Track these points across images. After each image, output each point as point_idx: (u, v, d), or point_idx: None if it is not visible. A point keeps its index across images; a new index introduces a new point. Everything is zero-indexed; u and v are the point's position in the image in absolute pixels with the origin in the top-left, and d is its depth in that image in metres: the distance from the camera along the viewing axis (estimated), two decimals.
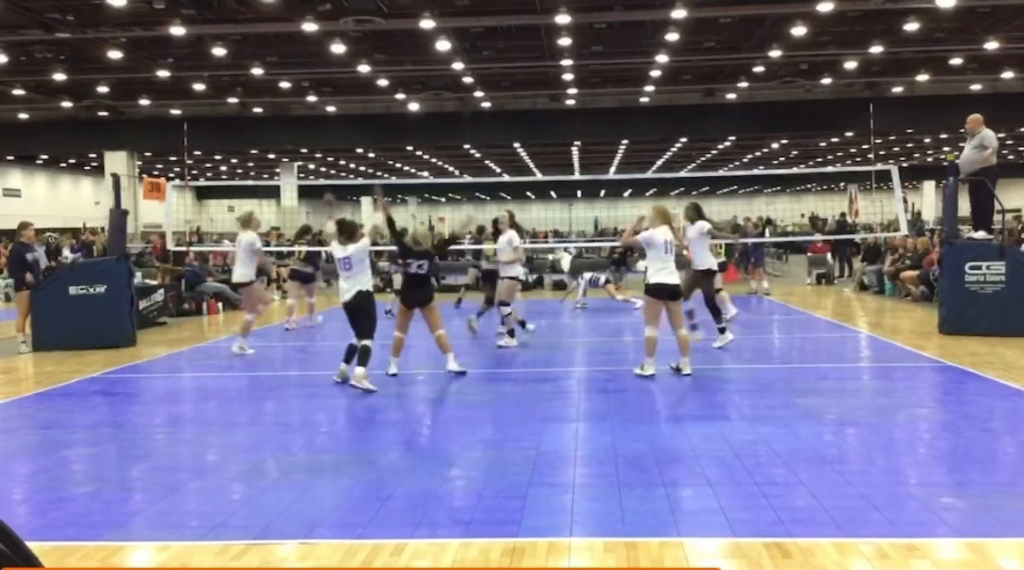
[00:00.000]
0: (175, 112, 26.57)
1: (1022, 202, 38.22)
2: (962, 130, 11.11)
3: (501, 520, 4.10)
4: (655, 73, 22.67)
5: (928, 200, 45.59)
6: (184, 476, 5.03)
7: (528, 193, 65.18)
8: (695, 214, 9.71)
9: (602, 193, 63.31)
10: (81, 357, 10.01)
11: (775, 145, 39.98)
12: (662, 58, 20.54)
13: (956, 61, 22.00)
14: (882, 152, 40.86)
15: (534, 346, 10.52)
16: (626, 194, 62.05)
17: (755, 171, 47.33)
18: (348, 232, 7.84)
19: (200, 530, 4.08)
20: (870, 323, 12.25)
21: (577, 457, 5.22)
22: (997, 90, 24.45)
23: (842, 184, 56.59)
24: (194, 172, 42.56)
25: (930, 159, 45.85)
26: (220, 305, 15.54)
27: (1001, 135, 13.10)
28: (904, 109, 25.92)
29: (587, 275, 15.83)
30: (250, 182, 50.04)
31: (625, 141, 35.44)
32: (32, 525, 4.25)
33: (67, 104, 25.10)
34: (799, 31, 17.97)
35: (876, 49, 19.81)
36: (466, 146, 35.90)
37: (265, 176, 48.05)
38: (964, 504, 4.22)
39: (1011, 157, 42.40)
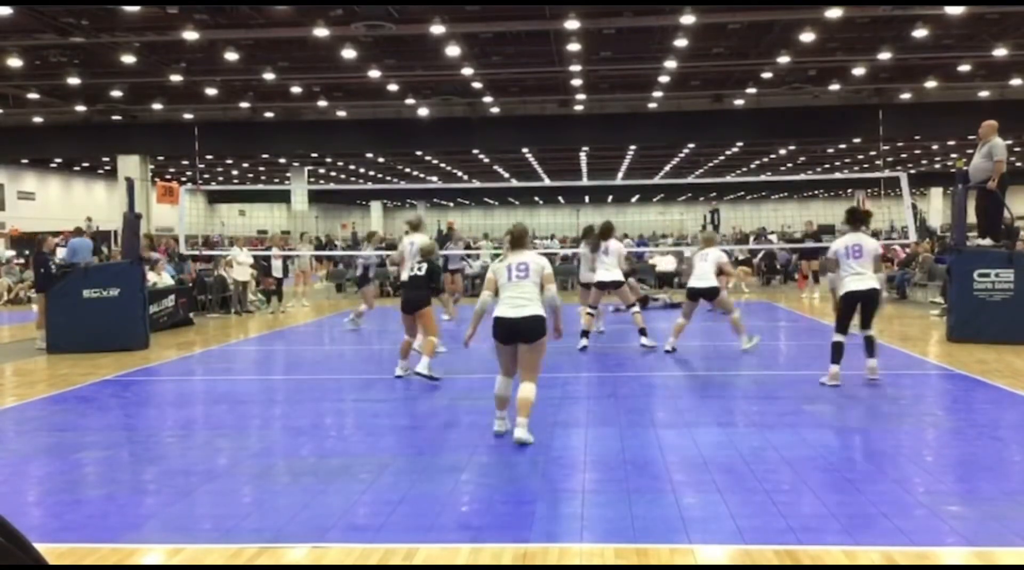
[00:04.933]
0: (187, 116, 26.75)
1: None
2: (971, 137, 11.11)
3: (511, 525, 4.14)
4: (664, 79, 22.71)
5: (935, 207, 45.47)
6: (196, 479, 5.08)
7: (536, 198, 65.29)
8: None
9: (610, 198, 63.37)
10: (94, 360, 10.10)
11: (783, 151, 39.96)
12: (671, 64, 20.58)
13: (964, 68, 21.96)
14: (890, 158, 40.77)
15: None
16: (633, 200, 62.10)
17: (763, 177, 47.31)
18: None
19: (213, 534, 4.13)
20: (878, 330, 12.20)
21: (587, 463, 5.26)
22: (1005, 97, 24.42)
23: (849, 190, 56.61)
24: (206, 176, 42.80)
25: (938, 166, 45.74)
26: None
27: (1009, 142, 13.06)
28: (912, 116, 25.89)
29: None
30: (261, 186, 50.28)
31: (633, 146, 35.48)
32: (49, 527, 4.32)
33: (81, 108, 25.30)
34: (807, 37, 17.98)
35: (884, 55, 19.79)
36: (475, 151, 36.00)
37: (276, 180, 48.30)
38: (973, 513, 4.23)
39: (1019, 164, 42.26)
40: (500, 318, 5.79)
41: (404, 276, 9.65)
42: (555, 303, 5.82)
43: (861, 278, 7.66)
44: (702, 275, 10.04)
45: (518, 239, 6.08)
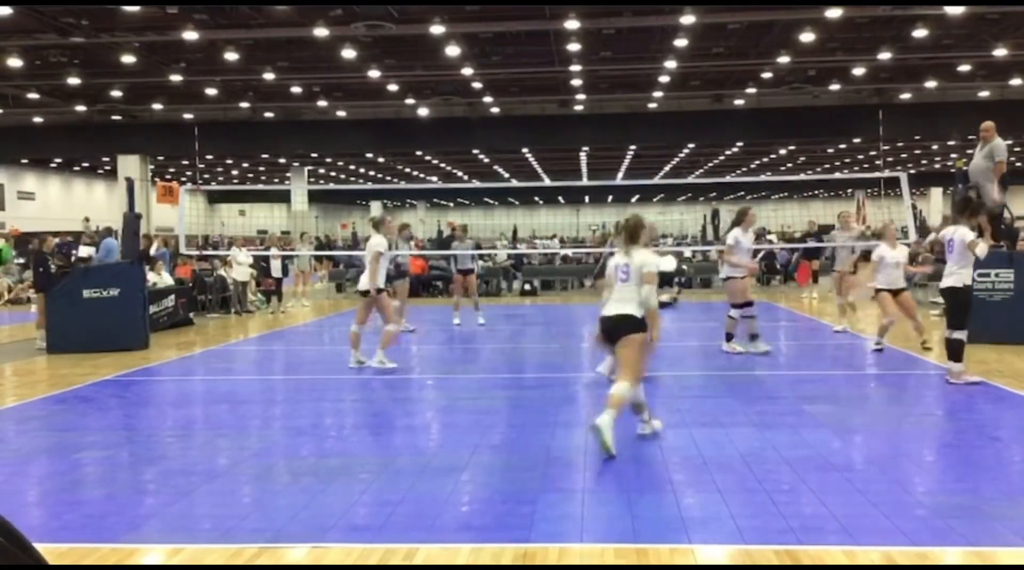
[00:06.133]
0: (187, 116, 26.77)
1: None
2: (971, 137, 11.11)
3: (512, 525, 4.14)
4: (663, 79, 22.72)
5: (936, 207, 45.49)
6: (196, 479, 5.08)
7: (536, 198, 65.32)
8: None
9: (610, 198, 63.39)
10: (95, 360, 10.10)
11: (783, 151, 39.98)
12: (670, 64, 20.60)
13: (964, 68, 21.98)
14: (890, 158, 40.78)
15: (542, 351, 10.55)
16: (633, 200, 62.12)
17: (763, 177, 47.34)
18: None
19: (213, 534, 4.12)
20: (879, 329, 12.22)
21: (587, 462, 5.26)
22: (1005, 97, 24.43)
23: (849, 190, 56.62)
24: (206, 176, 42.82)
25: (938, 166, 45.77)
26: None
27: (1009, 142, 13.06)
28: (912, 115, 25.90)
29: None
30: (261, 186, 50.31)
31: (633, 146, 35.50)
32: (48, 527, 4.32)
33: (81, 108, 25.31)
34: (807, 37, 18.00)
35: (884, 55, 19.81)
36: (475, 151, 36.02)
37: (276, 180, 48.33)
38: (974, 513, 4.23)
39: (1018, 164, 42.26)
40: (601, 317, 5.77)
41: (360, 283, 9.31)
42: (648, 305, 5.59)
43: (945, 278, 7.75)
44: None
45: (631, 234, 5.77)
